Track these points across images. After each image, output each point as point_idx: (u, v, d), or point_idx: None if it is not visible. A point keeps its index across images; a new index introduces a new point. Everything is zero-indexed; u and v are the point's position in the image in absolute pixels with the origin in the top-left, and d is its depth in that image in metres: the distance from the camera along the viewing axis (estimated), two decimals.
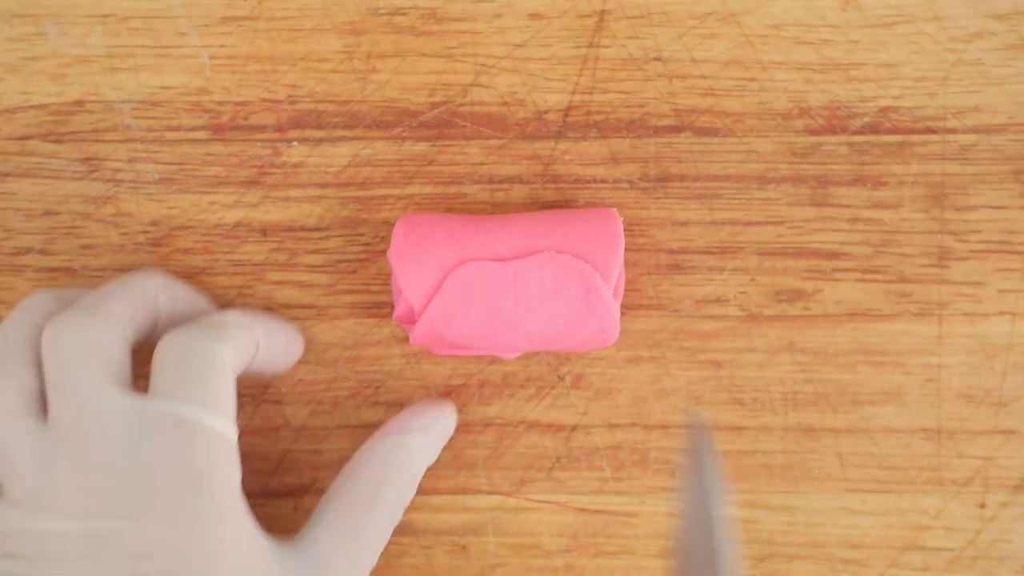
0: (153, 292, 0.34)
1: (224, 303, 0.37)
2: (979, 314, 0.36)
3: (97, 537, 0.30)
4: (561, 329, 0.33)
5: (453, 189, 0.37)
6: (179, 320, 0.35)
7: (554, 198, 0.37)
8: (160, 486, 0.31)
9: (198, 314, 0.35)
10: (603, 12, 0.36)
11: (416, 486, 0.35)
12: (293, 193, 0.37)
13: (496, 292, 0.33)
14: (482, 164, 0.37)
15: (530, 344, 0.34)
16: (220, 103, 0.36)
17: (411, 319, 0.34)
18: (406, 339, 0.37)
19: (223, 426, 0.32)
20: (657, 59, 0.36)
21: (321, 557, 0.33)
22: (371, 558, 0.34)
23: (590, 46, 0.36)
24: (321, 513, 0.34)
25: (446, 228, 0.34)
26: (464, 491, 0.37)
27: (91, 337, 0.32)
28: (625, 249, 0.36)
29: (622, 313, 0.37)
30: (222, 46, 0.36)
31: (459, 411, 0.37)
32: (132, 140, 0.37)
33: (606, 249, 0.33)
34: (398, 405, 0.37)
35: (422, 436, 0.35)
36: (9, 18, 0.36)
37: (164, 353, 0.32)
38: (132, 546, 0.30)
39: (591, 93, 0.36)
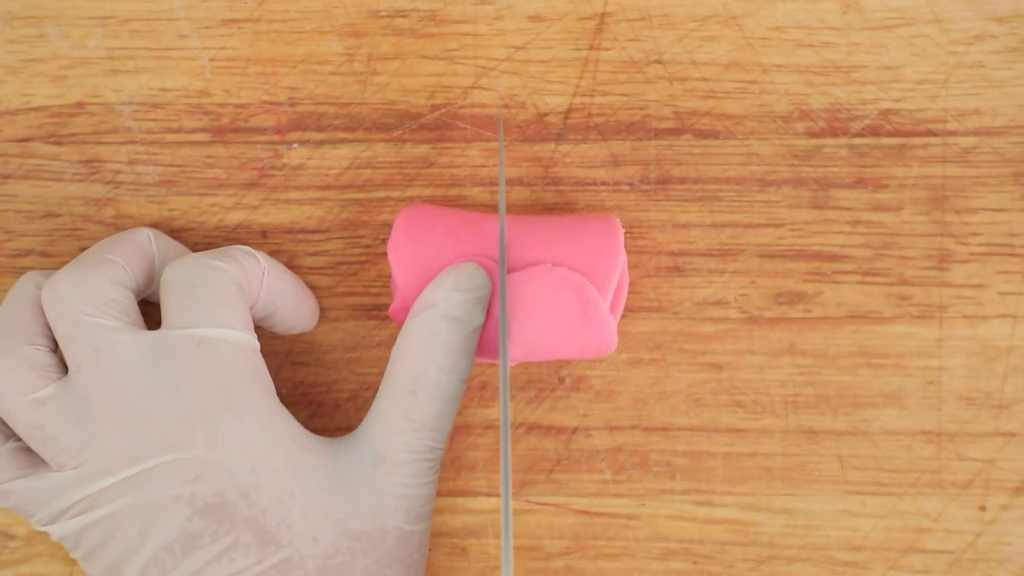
0: (145, 238, 0.34)
1: None
2: (980, 317, 0.36)
3: (148, 475, 0.31)
4: (557, 341, 0.33)
5: (454, 191, 0.37)
6: None
7: (554, 200, 0.37)
8: (193, 409, 0.31)
9: None
10: (604, 15, 0.36)
11: (468, 357, 0.33)
12: (293, 195, 0.37)
13: (492, 299, 0.33)
14: (483, 166, 0.37)
15: (527, 354, 0.34)
16: (220, 105, 0.36)
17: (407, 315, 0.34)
18: None
19: (240, 336, 0.32)
20: (658, 62, 0.36)
21: (378, 447, 0.33)
22: (432, 441, 0.33)
23: (591, 48, 0.36)
24: (373, 408, 0.33)
25: (446, 224, 0.34)
26: (464, 493, 0.37)
27: (88, 285, 0.32)
28: (626, 251, 0.36)
29: (623, 315, 0.37)
30: (222, 48, 0.36)
31: (460, 414, 0.37)
32: (133, 142, 0.37)
33: (604, 261, 0.33)
34: None
35: (444, 306, 0.32)
36: (10, 20, 0.36)
37: (168, 282, 0.32)
38: (181, 474, 0.31)
39: (592, 95, 0.36)
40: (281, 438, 0.32)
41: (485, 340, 0.34)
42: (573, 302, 0.33)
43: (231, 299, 0.32)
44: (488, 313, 0.33)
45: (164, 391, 0.31)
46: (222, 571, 0.31)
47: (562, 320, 0.33)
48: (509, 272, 0.33)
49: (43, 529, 0.32)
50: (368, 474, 0.32)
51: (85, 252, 0.34)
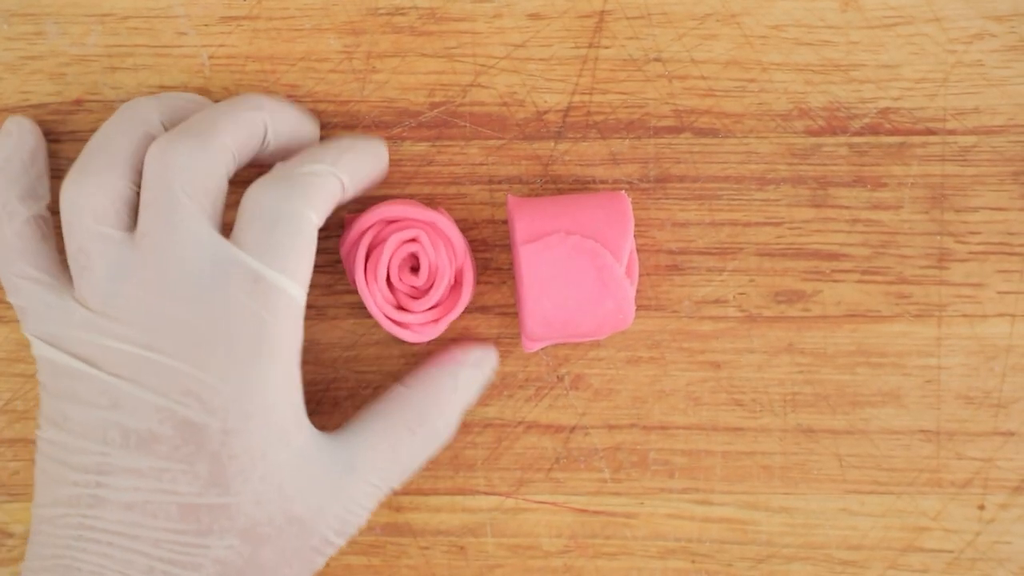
0: (262, 126, 0.33)
1: None
2: (978, 316, 0.36)
3: (153, 366, 0.31)
4: (576, 311, 0.33)
5: (452, 189, 0.37)
6: (281, 152, 0.34)
7: None
8: (226, 336, 0.31)
9: (301, 144, 0.34)
10: (603, 12, 0.36)
11: (460, 420, 0.35)
12: None
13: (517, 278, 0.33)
14: (481, 164, 0.37)
15: (547, 328, 0.34)
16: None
17: None
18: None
19: (297, 292, 0.31)
20: (657, 60, 0.36)
21: (354, 460, 0.33)
22: (402, 476, 0.34)
23: (590, 47, 0.36)
24: (364, 424, 0.34)
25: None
26: (463, 492, 0.37)
27: (198, 165, 0.31)
28: None
29: None
30: (221, 46, 0.36)
31: None
32: None
33: (616, 229, 0.33)
34: None
35: (473, 370, 0.35)
36: (8, 17, 0.36)
37: (253, 207, 0.32)
38: (183, 384, 0.31)
39: (591, 94, 0.36)
40: (285, 404, 0.32)
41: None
42: (589, 268, 0.33)
43: (303, 251, 0.32)
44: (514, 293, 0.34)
45: (206, 304, 0.31)
46: (158, 485, 0.31)
47: (580, 288, 0.33)
48: (520, 244, 0.33)
49: (29, 337, 0.32)
50: (336, 477, 0.32)
51: (205, 117, 0.33)
